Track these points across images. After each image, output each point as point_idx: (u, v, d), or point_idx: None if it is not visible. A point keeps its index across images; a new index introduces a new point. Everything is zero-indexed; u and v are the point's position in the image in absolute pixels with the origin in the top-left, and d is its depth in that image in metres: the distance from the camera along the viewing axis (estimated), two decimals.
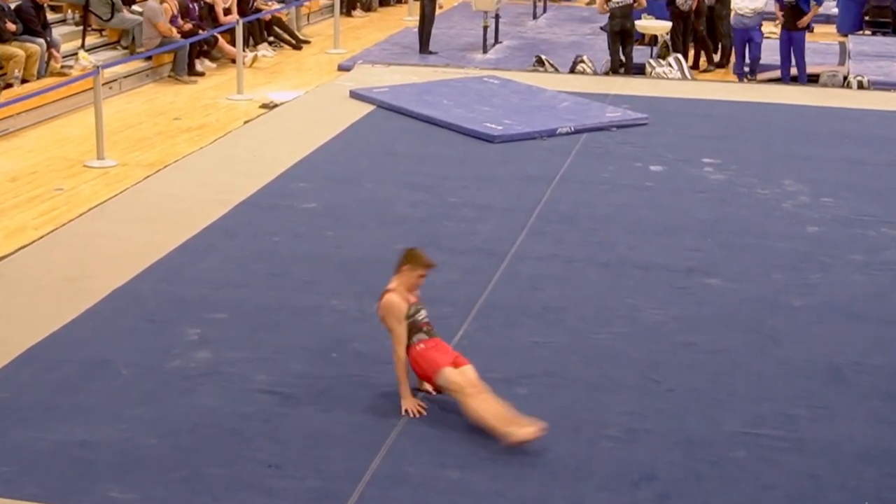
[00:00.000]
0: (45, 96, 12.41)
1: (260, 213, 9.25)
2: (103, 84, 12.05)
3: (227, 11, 16.24)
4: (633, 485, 5.52)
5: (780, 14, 15.26)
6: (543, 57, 15.67)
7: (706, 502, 5.42)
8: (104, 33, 15.23)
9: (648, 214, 9.43)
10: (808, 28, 15.90)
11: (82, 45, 14.44)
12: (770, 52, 15.64)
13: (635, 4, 15.18)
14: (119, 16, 14.96)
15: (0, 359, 6.61)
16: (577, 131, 11.82)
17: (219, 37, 15.59)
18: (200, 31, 15.30)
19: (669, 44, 15.83)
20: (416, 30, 16.90)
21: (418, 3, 16.97)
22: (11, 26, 12.91)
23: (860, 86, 14.51)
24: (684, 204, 9.73)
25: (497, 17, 17.30)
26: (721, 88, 14.44)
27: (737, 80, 15.51)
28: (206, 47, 15.64)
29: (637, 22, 15.64)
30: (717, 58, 16.54)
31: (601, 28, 16.93)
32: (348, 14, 20.44)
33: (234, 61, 14.84)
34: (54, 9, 14.92)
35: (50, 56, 13.33)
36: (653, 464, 5.69)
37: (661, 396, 6.38)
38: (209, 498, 5.33)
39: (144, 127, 12.61)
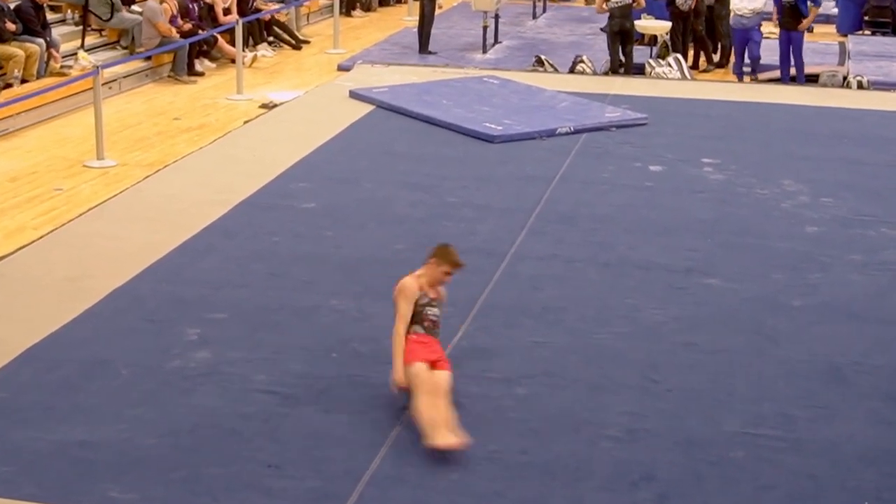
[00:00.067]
0: (45, 96, 12.40)
1: (259, 213, 9.25)
2: (103, 84, 12.03)
3: (227, 11, 16.23)
4: (632, 485, 5.52)
5: (775, 18, 15.29)
6: (543, 57, 15.67)
7: (706, 502, 5.42)
8: (104, 33, 15.22)
9: (648, 214, 9.42)
10: (808, 28, 15.90)
11: (82, 45, 14.44)
12: (769, 52, 15.64)
13: (634, 4, 15.17)
14: (118, 16, 14.95)
15: (0, 359, 6.60)
16: (577, 131, 11.81)
17: (218, 37, 15.58)
18: (200, 31, 15.29)
19: (669, 44, 15.83)
20: (416, 30, 16.89)
21: (418, 3, 16.96)
22: (11, 26, 12.90)
23: (860, 86, 14.51)
24: (684, 204, 9.73)
25: (496, 17, 17.29)
26: (720, 88, 14.44)
27: (736, 80, 15.51)
28: (205, 47, 15.63)
29: (636, 22, 15.64)
30: (716, 58, 16.53)
31: (601, 29, 16.92)
32: (348, 14, 20.43)
33: (233, 61, 14.83)
34: (54, 9, 14.90)
35: (49, 56, 13.32)
36: (653, 464, 5.69)
37: (661, 396, 6.38)
38: (209, 498, 5.33)
39: (144, 127, 12.60)
